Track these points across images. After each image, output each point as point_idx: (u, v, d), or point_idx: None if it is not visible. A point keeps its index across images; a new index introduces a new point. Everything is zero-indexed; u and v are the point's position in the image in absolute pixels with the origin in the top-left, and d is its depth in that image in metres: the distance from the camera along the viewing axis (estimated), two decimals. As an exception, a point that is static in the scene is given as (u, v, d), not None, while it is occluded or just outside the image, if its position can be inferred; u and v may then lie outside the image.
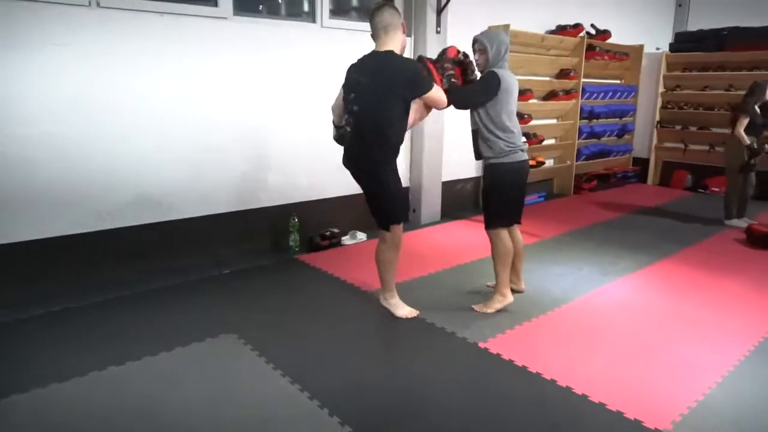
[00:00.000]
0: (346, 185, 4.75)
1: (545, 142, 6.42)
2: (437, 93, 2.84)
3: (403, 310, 3.12)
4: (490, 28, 5.53)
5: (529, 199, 6.26)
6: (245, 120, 4.05)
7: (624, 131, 7.48)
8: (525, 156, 3.10)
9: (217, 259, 3.94)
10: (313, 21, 4.40)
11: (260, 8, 4.27)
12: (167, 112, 3.66)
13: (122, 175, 3.54)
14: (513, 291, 3.31)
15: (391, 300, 3.16)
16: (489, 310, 3.17)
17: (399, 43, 2.81)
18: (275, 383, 2.44)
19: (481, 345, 2.81)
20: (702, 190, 7.01)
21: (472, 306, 3.21)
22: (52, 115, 3.23)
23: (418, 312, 3.13)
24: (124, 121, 3.50)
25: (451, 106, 2.97)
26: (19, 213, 3.21)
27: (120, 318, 3.07)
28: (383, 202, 2.96)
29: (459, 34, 5.20)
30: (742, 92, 5.33)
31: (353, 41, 4.48)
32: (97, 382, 2.41)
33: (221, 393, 2.35)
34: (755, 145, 4.99)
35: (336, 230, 4.48)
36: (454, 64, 3.06)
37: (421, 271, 3.86)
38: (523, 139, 3.24)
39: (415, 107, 2.91)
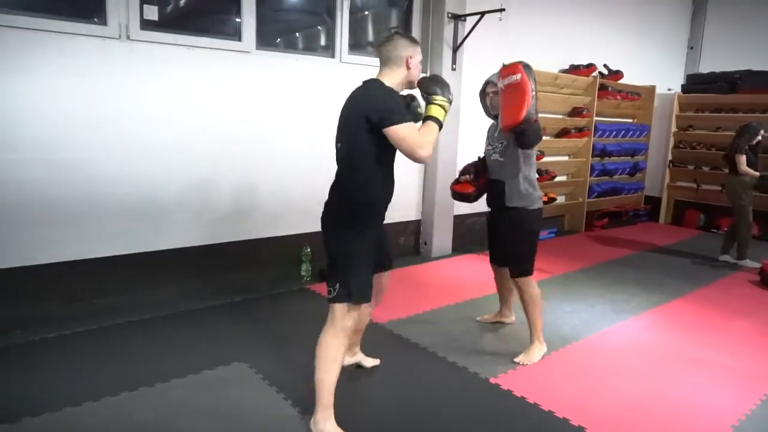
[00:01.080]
0: (359, 216, 4.83)
1: (557, 179, 6.46)
2: (405, 131, 2.05)
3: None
4: (504, 65, 5.67)
5: (541, 234, 6.27)
6: (264, 149, 4.13)
7: (636, 169, 7.51)
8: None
9: (230, 287, 3.97)
10: (332, 56, 4.53)
11: (277, 42, 4.41)
12: (191, 141, 3.75)
13: (141, 200, 3.60)
14: (503, 323, 3.49)
15: (323, 424, 2.23)
16: (534, 360, 3.00)
17: (399, 77, 2.29)
18: (285, 413, 2.44)
19: (492, 381, 2.79)
20: (715, 230, 6.98)
21: (514, 360, 3.00)
22: (73, 139, 3.32)
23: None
24: (142, 148, 3.58)
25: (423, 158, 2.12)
26: (34, 235, 3.27)
27: (132, 344, 3.09)
28: (333, 267, 2.30)
29: (474, 72, 5.32)
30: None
31: (370, 74, 4.58)
32: (110, 407, 2.42)
33: (232, 421, 2.35)
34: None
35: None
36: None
37: (432, 304, 3.86)
38: None
39: None
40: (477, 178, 3.17)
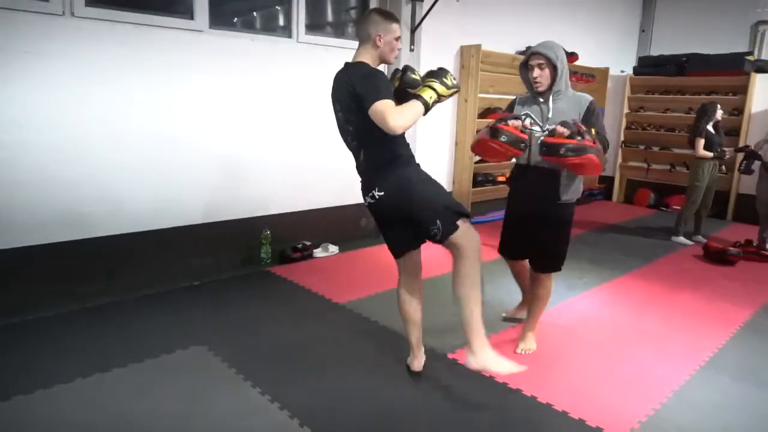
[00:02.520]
0: (319, 198, 4.84)
1: (513, 160, 6.57)
2: (386, 107, 2.08)
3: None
4: (462, 47, 5.72)
5: (498, 214, 6.38)
6: (217, 132, 4.06)
7: (590, 150, 7.71)
8: None
9: (188, 270, 3.92)
10: (289, 36, 4.46)
11: (234, 21, 4.32)
12: (139, 123, 3.66)
13: (89, 185, 3.50)
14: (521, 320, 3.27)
15: (483, 352, 2.32)
16: (534, 348, 2.96)
17: (370, 56, 2.33)
18: (245, 394, 2.45)
19: (450, 356, 2.87)
20: (664, 208, 7.27)
21: (517, 350, 2.92)
22: (27, 123, 3.20)
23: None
24: (95, 131, 3.48)
25: (396, 128, 2.11)
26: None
27: (88, 330, 3.03)
28: (424, 211, 2.30)
29: (432, 53, 5.34)
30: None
31: (328, 56, 4.56)
32: (65, 395, 2.38)
33: (191, 405, 2.35)
34: (719, 151, 5.26)
35: (308, 243, 4.51)
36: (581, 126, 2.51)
37: (391, 284, 3.90)
38: None
39: None
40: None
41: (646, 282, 4.21)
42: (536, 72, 2.62)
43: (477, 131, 2.78)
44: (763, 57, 7.25)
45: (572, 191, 2.74)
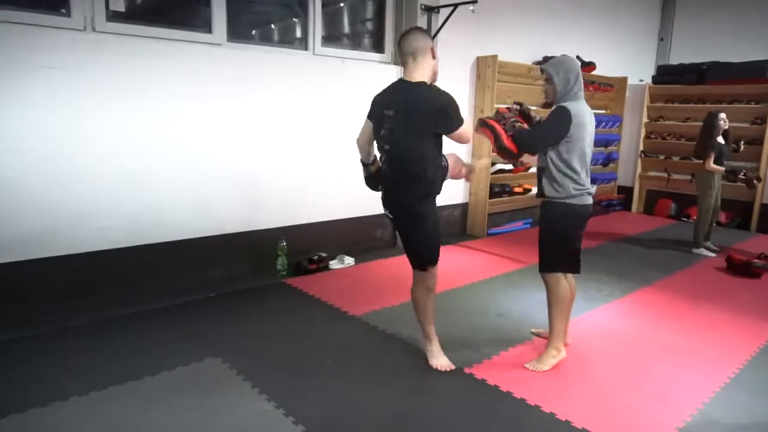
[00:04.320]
0: (335, 209, 4.84)
1: (531, 170, 6.53)
2: (467, 129, 2.60)
3: (439, 360, 2.84)
4: (478, 58, 5.71)
5: (515, 225, 6.34)
6: (234, 144, 4.09)
7: (609, 160, 7.63)
8: (590, 200, 2.83)
9: (204, 282, 3.94)
10: (305, 48, 4.49)
11: (252, 34, 4.37)
12: (157, 136, 3.70)
13: (110, 196, 3.54)
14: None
15: (430, 347, 2.89)
16: (544, 367, 2.84)
17: (429, 70, 2.59)
18: (260, 407, 2.43)
19: (467, 370, 2.82)
20: (685, 219, 7.14)
21: (525, 365, 2.87)
22: (44, 136, 3.25)
23: (453, 367, 2.82)
24: (116, 142, 3.52)
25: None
26: (12, 233, 3.20)
27: (103, 342, 3.04)
28: (421, 240, 2.70)
29: (448, 64, 5.34)
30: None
31: (344, 68, 4.57)
32: (78, 407, 2.39)
33: (205, 417, 2.34)
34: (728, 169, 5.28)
35: (324, 254, 4.50)
36: (514, 113, 2.96)
37: (407, 296, 3.87)
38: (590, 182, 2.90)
39: (451, 162, 2.79)
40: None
41: (667, 295, 4.12)
42: (545, 86, 2.85)
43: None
44: (786, 65, 7.10)
45: (560, 192, 2.79)
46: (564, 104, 2.71)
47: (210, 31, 3.88)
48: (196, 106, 3.84)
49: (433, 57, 2.57)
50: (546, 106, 6.37)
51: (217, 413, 2.38)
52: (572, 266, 2.94)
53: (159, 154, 3.71)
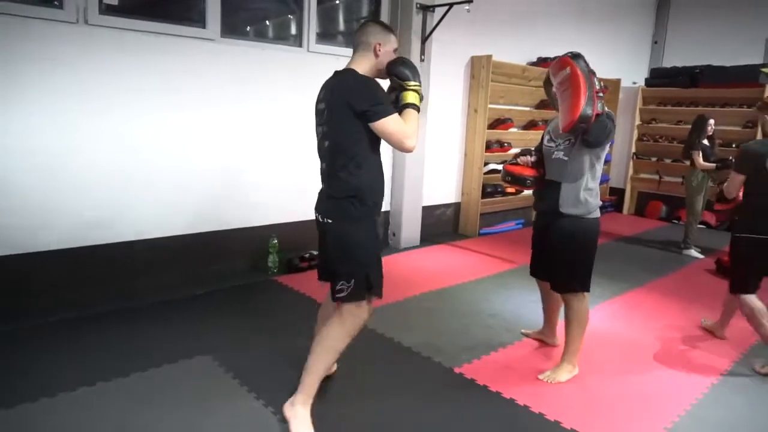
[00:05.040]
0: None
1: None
2: (393, 125, 2.05)
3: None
4: (472, 57, 5.71)
5: (507, 226, 6.35)
6: (227, 140, 4.07)
7: (601, 161, 7.65)
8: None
9: (195, 279, 3.92)
10: (300, 45, 4.48)
11: (247, 30, 4.34)
12: (149, 131, 3.67)
13: (99, 191, 3.51)
14: (544, 343, 3.18)
15: (299, 407, 2.25)
16: (560, 380, 2.76)
17: (366, 66, 2.23)
18: (249, 405, 2.42)
19: (456, 370, 2.83)
20: (676, 221, 7.18)
21: (539, 376, 2.79)
22: (35, 129, 3.22)
23: None
24: (105, 137, 3.49)
25: (410, 150, 2.13)
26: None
27: (92, 338, 3.02)
28: (340, 265, 2.18)
29: (443, 63, 5.34)
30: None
31: (339, 66, 4.54)
32: (68, 403, 2.37)
33: (194, 415, 2.33)
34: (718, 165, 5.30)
35: (315, 252, 4.48)
36: (600, 86, 2.51)
37: (398, 296, 3.88)
38: None
39: None
40: (538, 164, 2.82)
41: (657, 296, 4.15)
42: (555, 89, 2.64)
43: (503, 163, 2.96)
44: (778, 69, 7.16)
45: (578, 205, 2.65)
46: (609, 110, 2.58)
47: (204, 26, 3.85)
48: (188, 102, 3.81)
49: (376, 55, 2.22)
50: (540, 104, 6.31)
51: (206, 411, 2.36)
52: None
53: (149, 149, 3.68)
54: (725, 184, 3.21)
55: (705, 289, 4.42)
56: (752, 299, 2.98)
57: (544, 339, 3.22)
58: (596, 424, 2.39)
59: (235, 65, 4.02)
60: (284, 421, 2.26)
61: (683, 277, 4.74)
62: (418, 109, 2.18)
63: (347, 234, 2.17)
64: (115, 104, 3.50)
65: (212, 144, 3.98)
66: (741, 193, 3.09)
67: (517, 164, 2.81)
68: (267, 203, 4.36)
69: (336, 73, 2.27)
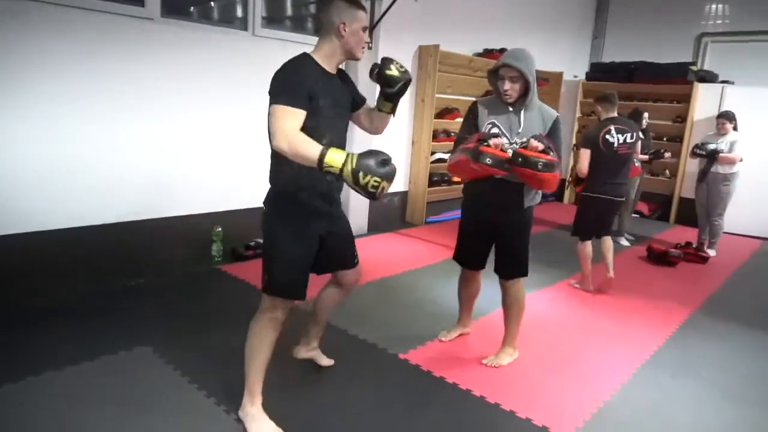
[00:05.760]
0: (274, 195, 4.74)
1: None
2: (275, 115, 1.93)
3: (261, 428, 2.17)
4: (420, 47, 5.73)
5: (453, 214, 6.46)
6: (167, 126, 3.92)
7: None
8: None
9: (135, 268, 3.78)
10: (245, 29, 4.36)
11: (191, 11, 4.18)
12: (82, 116, 3.49)
13: (26, 178, 3.32)
14: (464, 335, 3.20)
15: (249, 408, 2.20)
16: (502, 363, 2.86)
17: (329, 47, 2.06)
18: (191, 397, 2.38)
19: (402, 356, 2.87)
20: (612, 211, 7.51)
21: (483, 361, 2.86)
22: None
23: None
24: (35, 122, 3.30)
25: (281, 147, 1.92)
26: None
27: (20, 331, 2.87)
28: (263, 258, 2.20)
29: (390, 53, 5.32)
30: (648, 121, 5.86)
31: (286, 52, 4.45)
32: (-7, 400, 2.25)
33: (133, 408, 2.26)
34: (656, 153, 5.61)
35: (261, 240, 4.41)
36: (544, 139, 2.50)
37: (346, 283, 3.88)
38: None
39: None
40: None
41: (593, 282, 4.33)
42: (507, 85, 2.54)
43: (451, 152, 2.73)
44: (706, 67, 7.59)
45: (534, 197, 2.73)
46: (551, 109, 2.65)
47: (142, 5, 3.68)
48: (124, 85, 3.64)
49: (341, 36, 2.00)
50: (487, 94, 6.33)
51: (145, 403, 2.30)
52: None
53: (83, 135, 3.50)
54: (577, 164, 4.06)
55: (637, 275, 4.68)
56: (587, 244, 4.12)
57: (464, 331, 3.21)
58: (532, 405, 2.50)
59: (176, 48, 3.87)
60: (228, 413, 2.23)
61: (617, 263, 4.93)
62: (320, 157, 1.78)
63: (269, 227, 2.15)
64: (41, 90, 3.29)
65: (150, 129, 3.83)
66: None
67: (489, 146, 2.49)
68: (211, 191, 4.25)
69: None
